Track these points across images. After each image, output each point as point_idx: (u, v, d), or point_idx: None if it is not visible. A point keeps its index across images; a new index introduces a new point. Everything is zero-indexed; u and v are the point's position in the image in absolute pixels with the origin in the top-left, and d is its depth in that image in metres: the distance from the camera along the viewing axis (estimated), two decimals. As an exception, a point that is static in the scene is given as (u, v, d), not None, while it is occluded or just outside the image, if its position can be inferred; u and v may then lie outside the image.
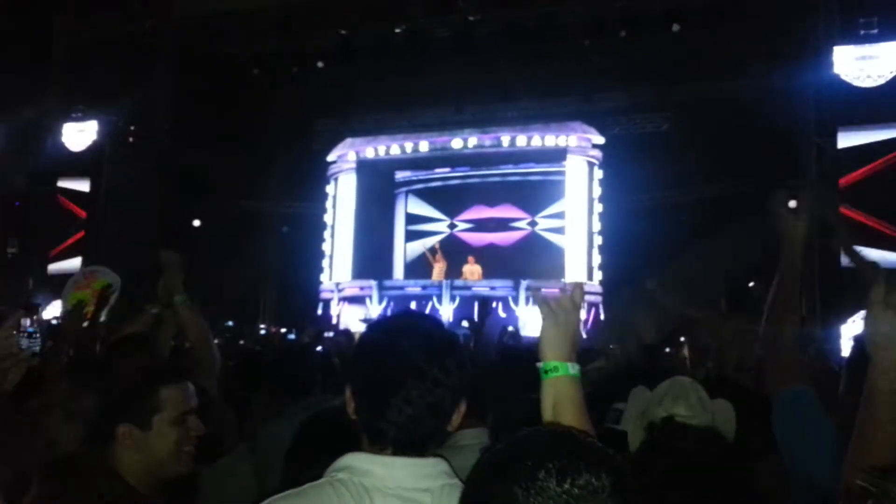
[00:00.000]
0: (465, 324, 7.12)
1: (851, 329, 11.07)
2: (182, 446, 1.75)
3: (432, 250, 16.34)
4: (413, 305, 15.67)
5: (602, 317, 14.71)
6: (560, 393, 1.48)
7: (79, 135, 15.87)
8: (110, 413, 1.76)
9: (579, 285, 1.65)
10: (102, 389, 1.90)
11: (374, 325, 1.47)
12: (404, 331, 1.36)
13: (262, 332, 12.57)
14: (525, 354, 4.09)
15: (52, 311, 13.30)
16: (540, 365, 1.52)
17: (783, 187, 2.28)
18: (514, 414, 1.96)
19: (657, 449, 1.73)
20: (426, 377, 1.31)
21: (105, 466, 1.71)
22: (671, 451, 1.68)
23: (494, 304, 15.15)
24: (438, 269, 16.22)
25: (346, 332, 7.58)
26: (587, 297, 14.78)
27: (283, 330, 11.23)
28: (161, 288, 3.11)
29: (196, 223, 15.93)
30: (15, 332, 1.74)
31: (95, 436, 1.78)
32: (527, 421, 1.84)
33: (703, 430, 1.80)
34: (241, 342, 8.50)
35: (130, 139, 16.18)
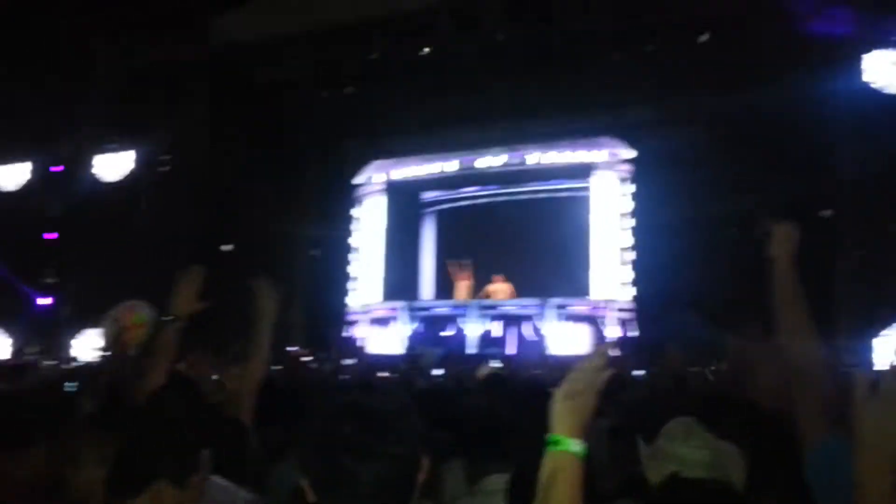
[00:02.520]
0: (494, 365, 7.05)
1: (884, 343, 10.81)
2: None
3: (459, 264, 16.24)
4: (441, 326, 15.64)
5: (630, 334, 14.51)
6: (557, 468, 1.46)
7: (113, 165, 16.17)
8: (148, 466, 1.67)
9: (601, 350, 1.59)
10: (136, 437, 1.78)
11: (317, 412, 1.46)
12: (343, 414, 1.35)
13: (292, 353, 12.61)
14: (546, 390, 4.02)
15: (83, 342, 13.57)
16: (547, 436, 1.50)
17: (766, 213, 2.26)
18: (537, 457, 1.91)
19: None
20: (372, 456, 1.29)
21: None
22: None
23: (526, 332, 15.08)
24: (463, 286, 16.12)
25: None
26: (617, 314, 14.77)
27: (306, 352, 11.25)
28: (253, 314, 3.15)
29: (227, 247, 16.11)
30: None
31: (119, 488, 1.69)
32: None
33: (717, 488, 1.75)
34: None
35: (164, 168, 16.45)
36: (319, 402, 1.52)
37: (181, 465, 1.67)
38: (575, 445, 1.47)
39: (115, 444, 1.80)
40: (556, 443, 1.48)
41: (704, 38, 13.82)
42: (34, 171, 16.62)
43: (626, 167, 15.59)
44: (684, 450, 2.02)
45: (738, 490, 1.84)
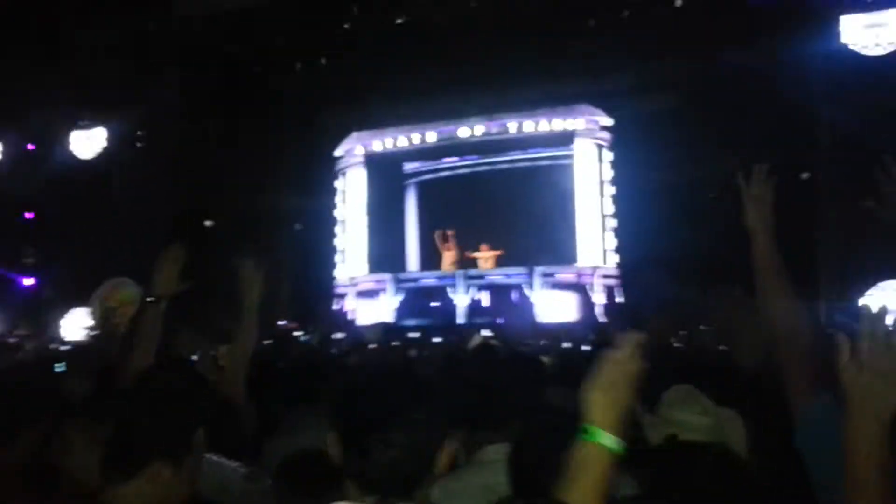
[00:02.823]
0: (484, 333, 7.06)
1: (869, 303, 10.96)
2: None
3: (443, 236, 16.28)
4: (429, 297, 15.72)
5: (617, 300, 14.64)
6: (588, 459, 1.41)
7: (87, 142, 15.90)
8: (145, 447, 1.66)
9: (636, 338, 1.52)
10: (130, 419, 1.75)
11: (358, 372, 1.50)
12: (386, 377, 1.42)
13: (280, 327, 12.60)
14: (536, 357, 4.03)
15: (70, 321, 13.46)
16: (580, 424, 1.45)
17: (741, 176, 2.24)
18: (541, 422, 1.91)
19: (673, 475, 1.69)
20: (405, 420, 1.33)
21: None
22: (688, 478, 1.64)
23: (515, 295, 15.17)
24: (448, 256, 16.18)
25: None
26: (603, 281, 14.88)
27: (295, 325, 11.24)
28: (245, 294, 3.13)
29: (208, 223, 15.98)
30: None
31: (115, 471, 1.67)
32: (557, 428, 1.82)
33: (718, 452, 1.76)
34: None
35: (139, 144, 16.21)
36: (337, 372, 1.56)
37: (177, 445, 1.66)
38: (611, 441, 1.41)
39: (107, 426, 1.78)
40: (589, 433, 1.42)
41: (679, 2, 13.77)
42: (6, 151, 16.30)
43: (605, 134, 15.60)
44: (685, 415, 2.05)
45: (737, 454, 1.83)
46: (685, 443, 2.00)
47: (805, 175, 12.25)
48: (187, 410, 1.75)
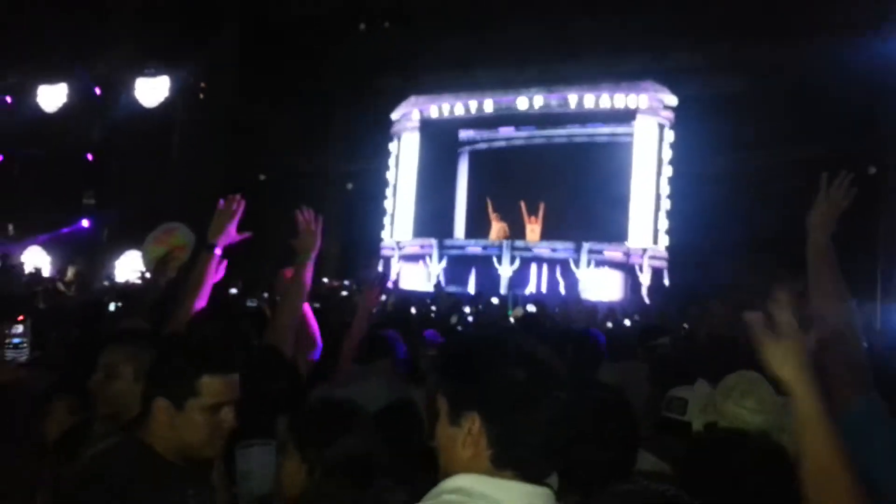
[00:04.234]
0: (529, 308, 7.00)
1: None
2: (211, 435, 1.73)
3: (494, 206, 16.27)
4: (473, 266, 15.72)
5: (667, 282, 14.43)
6: (804, 419, 1.44)
7: (152, 91, 16.19)
8: (151, 385, 1.76)
9: (786, 304, 1.49)
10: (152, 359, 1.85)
11: (476, 338, 1.34)
12: (521, 339, 1.23)
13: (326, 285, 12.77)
14: (586, 333, 4.00)
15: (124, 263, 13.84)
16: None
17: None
18: (582, 399, 1.88)
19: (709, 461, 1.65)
20: (564, 388, 1.18)
21: (136, 438, 1.72)
22: (725, 464, 1.60)
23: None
24: (498, 228, 16.15)
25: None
26: (652, 262, 14.67)
27: (340, 284, 11.34)
28: (296, 244, 3.10)
29: (262, 177, 16.20)
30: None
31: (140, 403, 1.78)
32: (598, 407, 1.80)
33: (758, 444, 1.71)
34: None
35: (201, 96, 16.45)
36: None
37: (177, 387, 1.72)
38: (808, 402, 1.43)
39: (149, 359, 1.87)
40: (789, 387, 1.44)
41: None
42: (71, 94, 16.71)
43: (669, 113, 15.24)
44: (737, 409, 1.97)
45: (778, 445, 1.76)
46: (724, 430, 1.96)
47: (872, 170, 11.81)
48: (198, 353, 1.78)
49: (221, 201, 3.09)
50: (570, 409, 1.19)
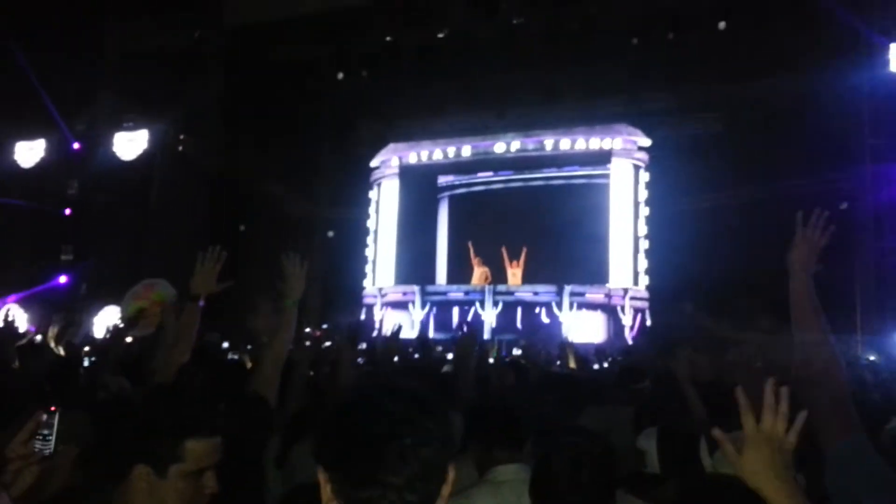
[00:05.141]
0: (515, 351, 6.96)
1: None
2: (192, 502, 1.65)
3: (475, 252, 16.32)
4: (456, 311, 15.71)
5: (648, 322, 14.48)
6: None
7: (129, 144, 16.21)
8: (129, 450, 1.67)
9: (783, 390, 1.32)
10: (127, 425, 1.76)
11: (346, 398, 1.31)
12: (383, 393, 1.20)
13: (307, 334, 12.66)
14: (570, 377, 3.99)
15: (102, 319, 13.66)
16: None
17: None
18: (558, 444, 1.87)
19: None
20: (419, 428, 1.13)
21: None
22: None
23: (538, 311, 15.09)
24: (479, 273, 16.18)
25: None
26: (633, 303, 14.73)
27: (322, 333, 11.28)
28: (278, 289, 3.09)
29: (241, 228, 16.17)
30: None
31: (109, 468, 1.69)
32: (574, 453, 1.80)
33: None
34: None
35: (180, 147, 16.49)
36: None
37: (160, 452, 1.64)
38: None
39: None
40: None
41: (723, 25, 13.66)
42: (49, 149, 16.69)
43: (643, 155, 15.49)
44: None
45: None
46: (713, 475, 1.96)
47: (844, 205, 12.00)
48: (182, 417, 1.73)
49: (201, 253, 3.09)
50: (543, 455, 1.16)
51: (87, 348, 5.90)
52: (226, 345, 9.28)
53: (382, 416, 1.14)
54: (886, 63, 11.73)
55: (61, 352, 4.91)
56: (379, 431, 1.13)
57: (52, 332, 5.19)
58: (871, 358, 8.29)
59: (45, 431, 1.72)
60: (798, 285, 2.14)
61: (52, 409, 1.75)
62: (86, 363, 4.93)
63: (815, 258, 2.16)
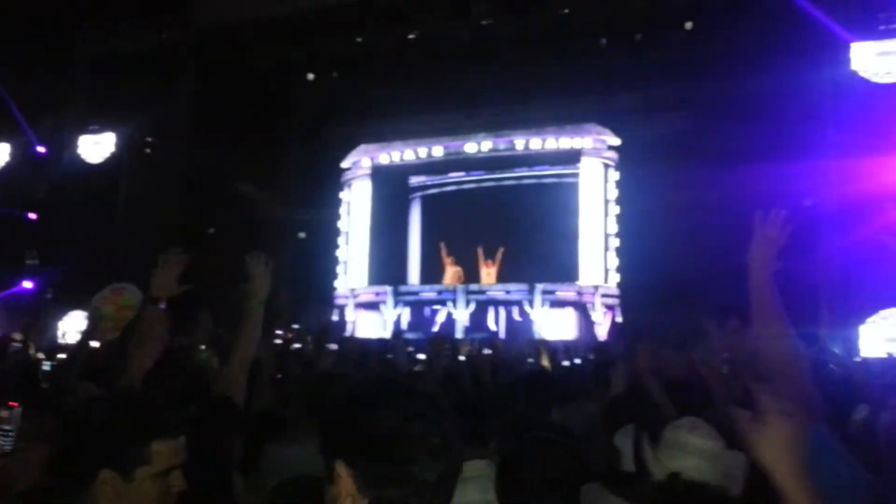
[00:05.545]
0: (485, 351, 6.99)
1: (872, 329, 10.90)
2: (160, 501, 1.65)
3: (447, 251, 16.33)
4: (428, 311, 15.73)
5: (619, 319, 14.60)
6: None
7: (95, 147, 15.99)
8: (94, 454, 1.64)
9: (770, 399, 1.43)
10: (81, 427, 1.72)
11: (352, 389, 1.30)
12: (400, 393, 1.21)
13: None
14: (540, 374, 4.01)
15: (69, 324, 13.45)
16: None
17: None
18: (525, 439, 1.89)
19: None
20: (444, 428, 1.16)
21: None
22: None
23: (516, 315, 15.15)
24: (452, 272, 16.18)
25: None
26: (604, 300, 14.85)
27: (293, 336, 11.23)
28: (244, 290, 3.06)
29: (210, 230, 16.02)
30: None
31: (73, 472, 1.65)
32: (541, 445, 1.82)
33: (716, 495, 1.74)
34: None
35: (147, 150, 16.30)
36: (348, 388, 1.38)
37: (125, 456, 1.62)
38: None
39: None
40: None
41: (689, 26, 13.84)
42: (14, 153, 16.40)
43: (612, 154, 15.63)
44: (693, 439, 2.02)
45: (735, 496, 1.80)
46: (686, 482, 1.99)
47: (809, 202, 12.21)
48: (147, 420, 1.71)
49: (162, 256, 3.05)
50: (509, 450, 1.19)
51: (41, 355, 5.79)
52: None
53: (411, 416, 1.16)
54: (847, 62, 11.97)
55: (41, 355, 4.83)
56: (410, 431, 1.15)
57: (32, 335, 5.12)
58: (836, 351, 8.45)
59: (7, 427, 1.69)
60: (759, 282, 2.18)
61: (11, 404, 1.71)
62: (46, 367, 4.84)
63: (775, 256, 2.20)
